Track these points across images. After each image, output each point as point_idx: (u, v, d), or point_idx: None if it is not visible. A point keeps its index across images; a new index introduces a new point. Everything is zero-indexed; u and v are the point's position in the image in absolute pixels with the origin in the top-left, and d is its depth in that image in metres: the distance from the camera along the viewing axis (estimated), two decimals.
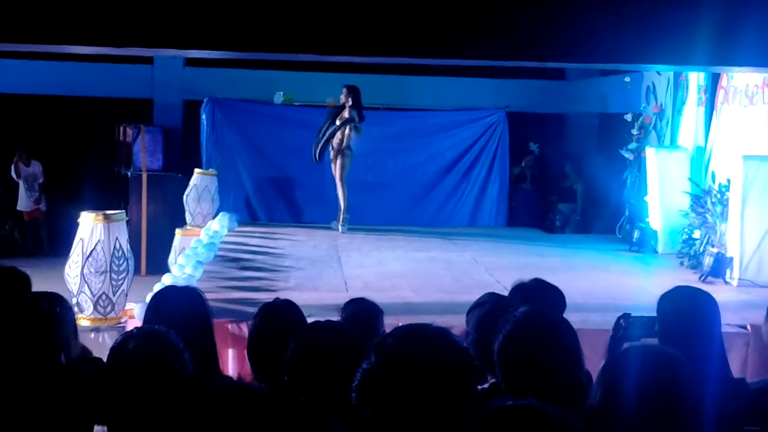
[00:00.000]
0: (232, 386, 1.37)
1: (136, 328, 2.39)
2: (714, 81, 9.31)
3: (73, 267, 6.01)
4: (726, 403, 2.66)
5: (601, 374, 1.88)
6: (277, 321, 3.08)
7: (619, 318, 3.19)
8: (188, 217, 10.81)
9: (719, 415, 2.62)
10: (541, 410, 1.33)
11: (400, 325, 4.60)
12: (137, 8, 5.05)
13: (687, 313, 3.03)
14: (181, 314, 2.93)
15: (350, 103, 10.56)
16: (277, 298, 3.36)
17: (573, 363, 2.33)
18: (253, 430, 1.20)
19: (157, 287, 6.71)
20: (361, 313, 3.66)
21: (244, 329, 5.96)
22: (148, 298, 6.25)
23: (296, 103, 12.70)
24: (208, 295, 6.07)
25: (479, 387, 2.94)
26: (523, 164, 13.00)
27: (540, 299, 3.29)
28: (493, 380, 2.77)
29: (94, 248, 5.96)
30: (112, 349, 2.30)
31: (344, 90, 10.69)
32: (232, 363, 5.87)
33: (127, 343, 2.26)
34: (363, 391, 1.74)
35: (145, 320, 3.10)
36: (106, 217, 6.10)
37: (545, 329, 2.42)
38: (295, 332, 2.57)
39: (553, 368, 2.28)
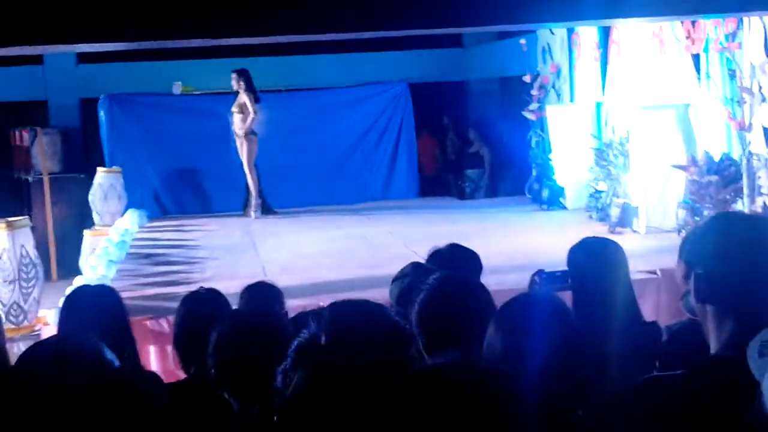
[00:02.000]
0: None
1: (43, 341, 2.29)
2: (606, 36, 9.51)
3: None
4: (639, 347, 2.74)
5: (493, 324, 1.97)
6: (202, 310, 3.05)
7: (533, 275, 3.26)
8: (96, 218, 10.59)
9: (633, 358, 2.71)
10: (463, 364, 1.35)
11: (321, 305, 4.62)
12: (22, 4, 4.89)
13: (595, 263, 3.12)
14: (96, 313, 2.88)
15: (243, 87, 10.42)
16: (201, 287, 3.34)
17: (488, 322, 2.38)
18: None
19: (69, 291, 6.57)
20: (260, 296, 3.67)
21: (164, 325, 5.89)
22: (61, 304, 6.14)
23: (196, 92, 12.52)
24: (123, 294, 5.96)
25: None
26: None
27: (456, 264, 3.33)
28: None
29: None
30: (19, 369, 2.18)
31: (233, 75, 10.58)
32: (154, 359, 5.80)
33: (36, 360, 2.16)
34: (297, 362, 1.74)
35: (60, 323, 3.04)
36: (9, 225, 5.93)
37: (457, 292, 2.46)
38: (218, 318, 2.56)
39: (470, 330, 2.32)
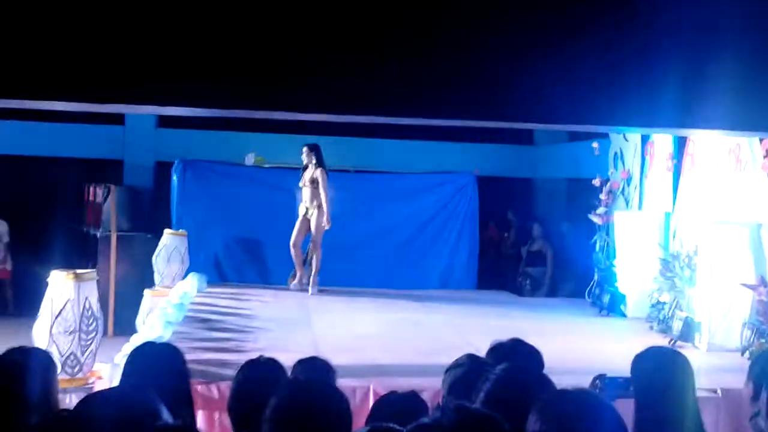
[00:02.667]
0: None
1: (104, 390, 2.33)
2: (681, 147, 9.48)
3: (41, 326, 5.93)
4: None
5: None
6: (260, 378, 3.05)
7: (594, 378, 3.21)
8: (157, 278, 10.71)
9: None
10: None
11: (371, 387, 4.55)
12: (109, 64, 5.05)
13: (661, 374, 3.06)
14: (159, 371, 2.90)
15: (314, 161, 10.53)
16: (261, 355, 3.34)
17: None
18: None
19: (126, 347, 6.63)
20: (312, 371, 3.65)
21: (214, 390, 5.90)
22: (116, 359, 6.20)
23: (267, 165, 12.75)
24: None
25: None
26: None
27: (518, 359, 3.30)
28: None
29: (63, 307, 5.89)
30: (79, 412, 2.22)
31: (305, 149, 10.62)
32: (201, 424, 5.78)
33: (95, 405, 2.20)
34: None
35: (123, 375, 3.07)
36: (77, 276, 6.04)
37: (526, 383, 2.43)
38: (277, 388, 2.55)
39: None
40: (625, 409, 3.09)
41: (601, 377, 3.19)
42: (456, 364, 3.18)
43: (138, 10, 4.87)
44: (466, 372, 3.01)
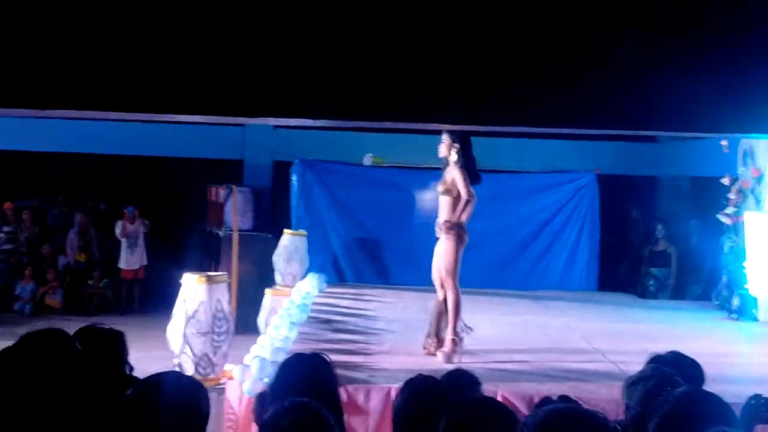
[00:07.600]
0: None
1: (287, 401, 2.34)
2: None
3: (175, 328, 6.09)
4: None
5: None
6: (424, 397, 3.04)
7: (750, 398, 3.07)
8: (278, 277, 10.87)
9: None
10: None
11: (499, 392, 4.46)
12: (229, 80, 5.16)
13: None
14: (310, 381, 2.92)
15: (455, 157, 7.30)
16: (420, 374, 3.31)
17: None
18: None
19: (254, 349, 6.74)
20: (461, 386, 3.59)
21: (342, 394, 5.92)
22: (246, 360, 6.30)
23: (385, 165, 12.78)
24: None
25: None
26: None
27: (678, 373, 3.18)
28: None
29: (196, 309, 6.03)
30: (264, 425, 2.26)
31: (445, 138, 7.37)
32: None
33: (281, 420, 2.23)
34: None
35: (274, 386, 3.09)
36: (209, 279, 6.18)
37: (704, 411, 2.33)
38: (443, 407, 2.54)
39: None
40: None
41: (756, 398, 3.04)
42: (642, 377, 3.07)
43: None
44: (655, 385, 2.93)
